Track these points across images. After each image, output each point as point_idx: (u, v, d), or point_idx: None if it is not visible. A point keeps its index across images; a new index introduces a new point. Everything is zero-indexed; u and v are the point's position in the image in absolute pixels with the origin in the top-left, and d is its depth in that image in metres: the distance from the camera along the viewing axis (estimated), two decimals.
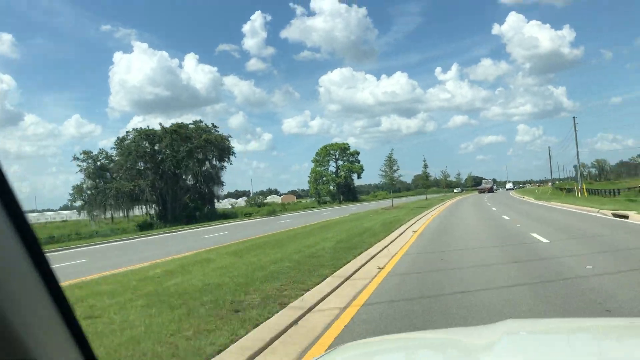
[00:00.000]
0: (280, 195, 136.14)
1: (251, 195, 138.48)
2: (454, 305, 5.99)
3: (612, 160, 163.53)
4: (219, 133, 45.57)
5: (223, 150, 45.65)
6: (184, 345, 4.41)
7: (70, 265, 15.01)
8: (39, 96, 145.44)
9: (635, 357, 1.55)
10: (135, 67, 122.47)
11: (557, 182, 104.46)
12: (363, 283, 7.88)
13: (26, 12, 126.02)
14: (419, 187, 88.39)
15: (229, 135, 46.88)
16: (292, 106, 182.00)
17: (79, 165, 40.17)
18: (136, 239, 28.03)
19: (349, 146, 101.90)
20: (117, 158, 41.95)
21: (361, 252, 11.15)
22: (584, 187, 57.53)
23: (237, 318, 5.33)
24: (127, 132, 42.86)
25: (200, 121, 45.55)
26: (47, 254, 0.98)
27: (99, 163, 41.49)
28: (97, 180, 40.85)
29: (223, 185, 49.85)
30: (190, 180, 46.49)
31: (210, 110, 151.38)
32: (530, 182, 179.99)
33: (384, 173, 37.62)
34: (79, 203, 41.65)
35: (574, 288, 6.57)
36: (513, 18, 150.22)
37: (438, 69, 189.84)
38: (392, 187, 37.68)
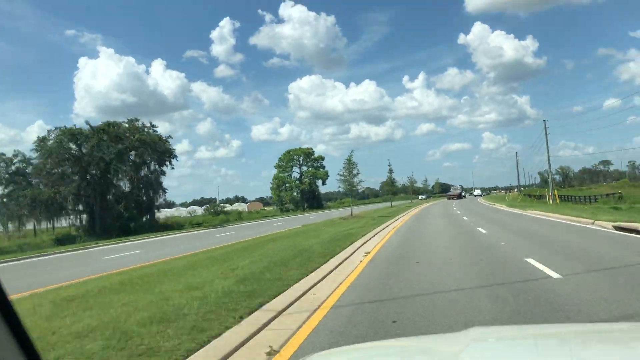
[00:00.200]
0: (247, 203, 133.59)
1: (217, 202, 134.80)
2: None
3: (575, 168, 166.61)
4: (157, 133, 40.33)
5: (163, 153, 40.40)
6: None
7: None
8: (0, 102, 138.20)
9: None
10: (101, 73, 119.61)
11: (522, 188, 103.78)
12: None
13: None
14: (387, 193, 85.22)
15: (169, 136, 41.79)
16: (262, 113, 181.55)
17: None
18: (33, 259, 22.66)
19: (313, 151, 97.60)
20: (36, 161, 36.17)
21: (263, 304, 6.59)
22: (556, 193, 54.86)
23: None
24: (48, 131, 37.12)
25: (137, 119, 40.20)
26: None
27: (13, 167, 35.63)
28: (11, 187, 34.98)
29: (165, 192, 44.63)
30: (126, 187, 41.01)
31: (178, 116, 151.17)
32: (495, 188, 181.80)
33: (342, 178, 33.47)
34: None
35: None
36: (478, 28, 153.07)
37: (406, 78, 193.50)
38: (352, 193, 33.36)
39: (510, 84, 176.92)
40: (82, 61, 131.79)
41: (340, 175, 32.66)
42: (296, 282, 8.37)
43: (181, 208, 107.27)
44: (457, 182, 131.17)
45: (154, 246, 24.14)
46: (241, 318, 5.82)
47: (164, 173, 43.11)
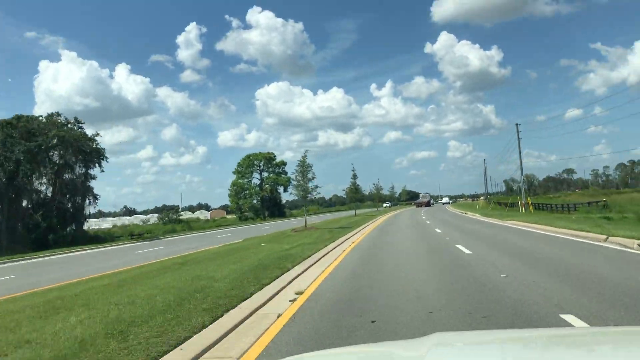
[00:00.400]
0: (210, 210, 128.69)
1: (180, 209, 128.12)
2: None
3: (538, 176, 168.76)
4: (82, 130, 34.60)
5: (89, 154, 34.71)
6: None
7: None
8: None
9: None
10: (63, 77, 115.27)
11: (489, 196, 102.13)
12: None
13: None
14: (354, 200, 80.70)
15: (97, 134, 35.98)
16: (228, 119, 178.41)
17: None
18: None
19: (274, 156, 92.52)
20: None
21: None
22: (529, 201, 51.69)
23: None
24: None
25: (58, 114, 34.34)
26: None
27: None
28: None
29: (97, 198, 38.81)
30: (47, 193, 35.09)
31: (142, 122, 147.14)
32: (462, 196, 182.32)
33: (295, 183, 28.84)
34: None
35: None
36: (444, 37, 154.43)
37: (373, 86, 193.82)
38: (305, 199, 28.66)
39: (475, 93, 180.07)
40: (43, 64, 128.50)
41: (293, 179, 27.85)
42: None
43: (125, 217, 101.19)
44: (423, 190, 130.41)
45: (43, 268, 18.75)
46: None
47: (93, 177, 37.35)
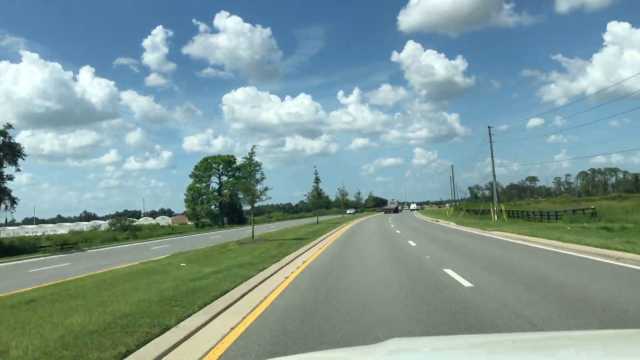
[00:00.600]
0: (172, 216, 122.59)
1: (142, 215, 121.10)
2: None
3: (502, 183, 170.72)
4: None
5: None
6: None
7: None
8: None
9: None
10: (24, 78, 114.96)
11: (455, 203, 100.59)
12: None
13: None
14: (318, 206, 75.47)
15: (9, 125, 30.38)
16: (194, 124, 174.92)
17: None
18: None
19: (235, 159, 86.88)
20: None
21: None
22: (503, 208, 48.43)
23: None
24: None
25: None
26: None
27: None
28: None
29: (15, 202, 33.09)
30: None
31: (106, 125, 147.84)
32: (427, 203, 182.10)
33: (241, 185, 24.13)
34: None
35: None
36: (411, 46, 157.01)
37: (340, 93, 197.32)
38: (252, 205, 23.78)
39: (440, 101, 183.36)
40: (3, 65, 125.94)
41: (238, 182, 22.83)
42: None
43: (83, 222, 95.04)
44: (390, 197, 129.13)
45: None
46: None
47: (9, 177, 31.62)
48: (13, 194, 34.23)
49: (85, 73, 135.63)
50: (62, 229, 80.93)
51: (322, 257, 15.11)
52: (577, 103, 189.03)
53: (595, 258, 11.18)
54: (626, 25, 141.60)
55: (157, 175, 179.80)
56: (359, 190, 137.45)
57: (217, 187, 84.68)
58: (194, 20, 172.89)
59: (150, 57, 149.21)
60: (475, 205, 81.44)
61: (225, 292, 8.50)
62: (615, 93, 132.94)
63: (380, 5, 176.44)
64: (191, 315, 6.71)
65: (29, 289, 11.59)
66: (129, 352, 4.84)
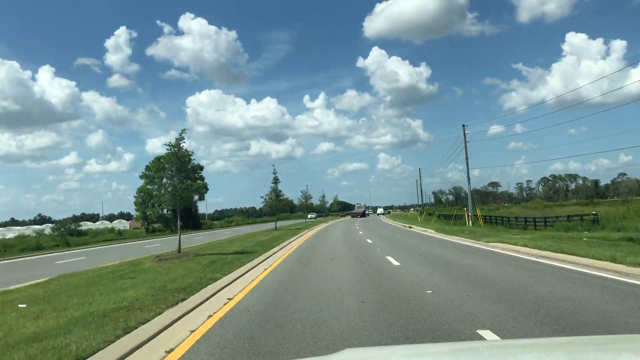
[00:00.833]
0: (130, 220, 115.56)
1: (100, 219, 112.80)
2: None
3: (465, 189, 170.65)
4: None
5: None
6: None
7: None
8: None
9: None
10: None
11: (419, 207, 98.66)
12: None
13: None
14: (277, 210, 69.45)
15: None
16: (157, 126, 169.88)
17: None
18: None
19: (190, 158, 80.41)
20: None
21: None
22: (479, 214, 44.26)
23: None
24: None
25: None
26: None
27: None
28: None
29: None
30: None
31: (66, 127, 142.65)
32: (391, 207, 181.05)
33: (165, 181, 18.74)
34: None
35: None
36: (376, 53, 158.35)
37: (306, 97, 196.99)
38: (177, 206, 18.21)
39: (405, 107, 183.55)
40: None
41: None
42: None
43: (36, 226, 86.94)
44: (354, 201, 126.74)
45: None
46: None
47: None
48: None
49: (45, 73, 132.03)
50: (12, 233, 73.41)
51: (265, 287, 9.74)
52: (536, 111, 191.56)
53: None
54: (583, 36, 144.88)
55: (118, 178, 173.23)
56: (324, 193, 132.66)
57: (170, 189, 77.91)
58: (158, 22, 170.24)
59: (113, 58, 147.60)
60: (441, 210, 78.06)
61: None
62: (572, 101, 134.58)
63: (346, 12, 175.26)
64: None
65: None
66: None
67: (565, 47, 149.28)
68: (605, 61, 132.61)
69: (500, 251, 14.94)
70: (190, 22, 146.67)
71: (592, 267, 10.08)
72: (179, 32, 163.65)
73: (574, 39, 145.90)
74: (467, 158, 47.14)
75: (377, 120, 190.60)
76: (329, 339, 5.35)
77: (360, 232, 32.69)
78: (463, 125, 47.80)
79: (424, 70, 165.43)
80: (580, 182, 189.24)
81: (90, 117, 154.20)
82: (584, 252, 11.51)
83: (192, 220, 77.90)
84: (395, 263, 12.82)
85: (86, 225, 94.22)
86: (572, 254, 11.64)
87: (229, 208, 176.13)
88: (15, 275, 16.05)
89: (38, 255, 30.01)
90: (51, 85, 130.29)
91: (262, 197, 42.99)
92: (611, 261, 10.05)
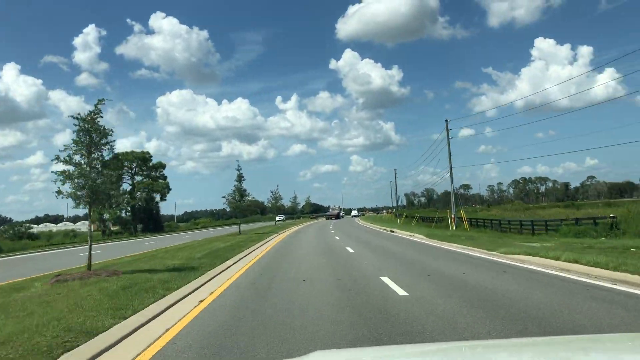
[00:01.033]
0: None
1: (64, 220, 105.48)
2: None
3: (438, 190, 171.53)
4: None
5: None
6: None
7: None
8: None
9: None
10: None
11: (392, 209, 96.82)
12: None
13: None
14: (241, 211, 64.69)
15: None
16: (127, 126, 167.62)
17: None
18: None
19: (151, 157, 74.87)
20: None
21: None
22: (464, 216, 40.62)
23: None
24: None
25: None
26: None
27: None
28: None
29: None
30: None
31: (32, 126, 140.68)
32: (364, 209, 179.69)
33: (78, 176, 13.69)
34: None
35: None
36: (349, 55, 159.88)
37: (279, 98, 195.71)
38: (90, 203, 13.41)
39: (377, 110, 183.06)
40: None
41: (69, 179, 11.81)
42: None
43: None
44: (327, 202, 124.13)
45: None
46: None
47: None
48: None
49: (10, 70, 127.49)
50: None
51: (188, 343, 5.21)
52: (505, 114, 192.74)
53: None
54: (551, 41, 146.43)
55: None
56: (296, 194, 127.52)
57: (129, 188, 72.07)
58: (128, 20, 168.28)
59: (81, 56, 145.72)
60: (415, 212, 74.82)
61: None
62: (540, 106, 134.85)
63: (319, 13, 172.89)
64: None
65: None
66: None
67: (534, 52, 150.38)
68: (572, 66, 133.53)
69: (540, 269, 10.63)
70: (161, 21, 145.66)
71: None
72: (150, 31, 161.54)
73: (543, 44, 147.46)
74: (450, 155, 43.53)
75: (350, 122, 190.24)
76: None
77: (337, 237, 28.30)
78: (446, 121, 44.29)
79: (395, 73, 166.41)
80: (550, 184, 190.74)
81: (57, 116, 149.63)
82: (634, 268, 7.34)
83: (154, 223, 72.30)
84: (400, 292, 8.43)
85: (47, 227, 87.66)
86: (611, 269, 7.47)
87: (198, 210, 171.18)
88: None
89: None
90: (16, 83, 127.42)
91: (224, 197, 37.93)
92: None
